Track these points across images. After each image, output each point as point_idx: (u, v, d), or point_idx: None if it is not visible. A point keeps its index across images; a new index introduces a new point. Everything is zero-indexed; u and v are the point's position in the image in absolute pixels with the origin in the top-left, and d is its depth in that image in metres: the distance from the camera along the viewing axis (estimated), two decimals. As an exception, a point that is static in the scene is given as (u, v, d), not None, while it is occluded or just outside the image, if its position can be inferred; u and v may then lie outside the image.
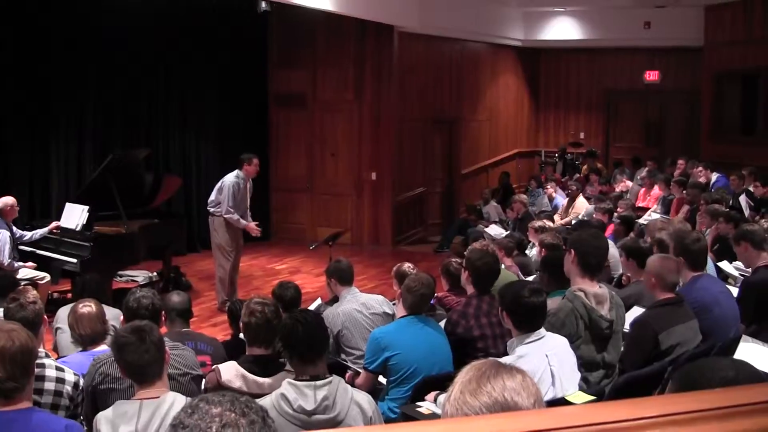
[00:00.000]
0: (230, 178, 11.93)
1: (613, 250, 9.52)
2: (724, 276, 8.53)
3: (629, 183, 16.80)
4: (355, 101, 17.48)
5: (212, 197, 12.09)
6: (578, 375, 5.25)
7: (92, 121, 14.51)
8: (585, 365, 5.48)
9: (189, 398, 3.72)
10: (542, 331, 5.18)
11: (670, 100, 21.32)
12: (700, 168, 15.58)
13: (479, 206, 17.30)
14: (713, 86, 19.02)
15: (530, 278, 8.64)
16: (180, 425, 2.12)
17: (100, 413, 4.33)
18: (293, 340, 4.60)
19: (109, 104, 14.80)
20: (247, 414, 2.14)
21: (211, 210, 12.08)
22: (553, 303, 5.68)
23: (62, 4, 13.57)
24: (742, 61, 17.96)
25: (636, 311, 6.53)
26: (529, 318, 5.16)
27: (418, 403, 5.59)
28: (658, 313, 5.96)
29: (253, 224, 12.23)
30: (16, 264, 10.75)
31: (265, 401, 4.19)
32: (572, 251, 5.78)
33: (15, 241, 10.94)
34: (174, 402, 4.23)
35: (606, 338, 5.60)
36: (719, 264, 8.80)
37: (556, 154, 21.49)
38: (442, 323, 6.54)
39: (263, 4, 13.55)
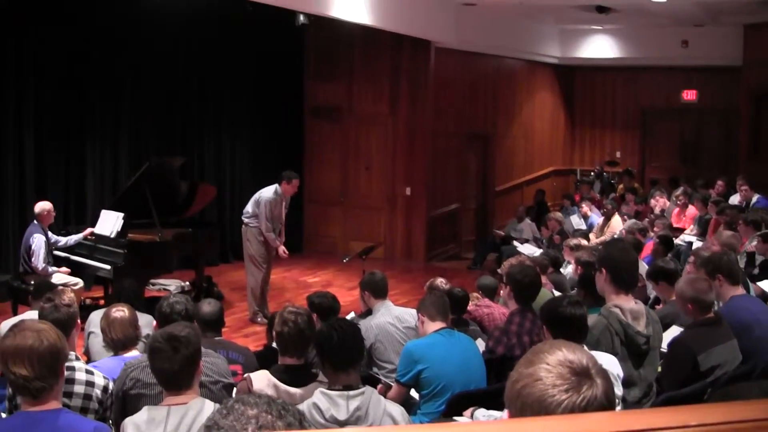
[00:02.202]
0: (268, 194, 11.90)
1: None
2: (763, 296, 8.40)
3: (667, 202, 16.61)
4: (391, 115, 17.46)
5: (248, 208, 12.07)
6: (620, 393, 5.16)
7: (128, 129, 14.55)
8: (623, 383, 5.39)
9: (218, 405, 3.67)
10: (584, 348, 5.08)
11: (708, 120, 21.13)
12: (746, 186, 15.32)
13: (508, 230, 17.17)
14: (751, 106, 18.84)
15: (568, 295, 8.56)
16: (215, 426, 2.07)
17: (128, 418, 4.29)
18: (328, 347, 4.56)
19: (144, 112, 14.84)
20: (284, 416, 2.09)
21: (246, 221, 12.07)
22: (590, 320, 5.60)
23: (100, 12, 13.62)
24: (781, 81, 17.80)
25: (674, 330, 6.42)
26: (566, 329, 5.07)
27: (455, 418, 5.52)
28: (697, 334, 5.85)
29: (282, 247, 12.23)
30: (51, 269, 10.78)
31: (297, 410, 4.14)
32: (603, 269, 5.69)
33: (50, 246, 10.98)
34: (202, 408, 4.19)
35: (643, 354, 5.50)
36: (760, 284, 8.67)
37: (593, 173, 21.34)
38: (478, 341, 6.48)
39: (301, 17, 13.60)
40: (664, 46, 19.99)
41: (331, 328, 4.64)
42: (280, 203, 12.00)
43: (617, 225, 14.71)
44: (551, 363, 2.19)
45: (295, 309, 5.34)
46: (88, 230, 11.59)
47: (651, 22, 18.92)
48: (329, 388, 4.44)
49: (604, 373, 2.22)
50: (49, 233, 11.09)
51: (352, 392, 4.38)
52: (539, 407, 2.15)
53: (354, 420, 4.31)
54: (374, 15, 14.37)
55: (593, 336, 5.42)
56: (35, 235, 10.72)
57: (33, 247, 10.68)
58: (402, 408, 4.70)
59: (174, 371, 4.22)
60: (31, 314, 6.43)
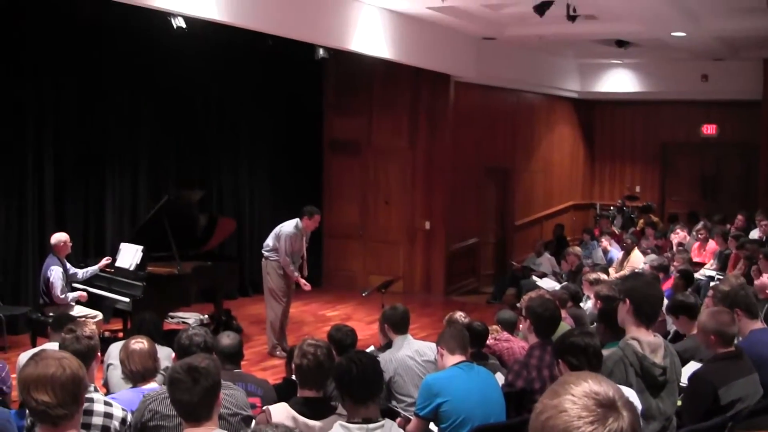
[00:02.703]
0: (289, 228, 11.91)
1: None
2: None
3: (687, 236, 16.54)
4: (410, 149, 17.49)
5: (268, 242, 12.09)
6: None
7: (147, 161, 14.59)
8: (641, 415, 5.34)
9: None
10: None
11: (727, 154, 21.05)
12: (765, 221, 15.25)
13: (529, 263, 17.13)
14: (771, 140, 18.80)
15: (586, 329, 8.52)
16: None
17: (146, 451, 4.28)
18: (347, 380, 4.55)
19: (164, 145, 14.90)
20: None
21: (266, 254, 12.08)
22: (607, 353, 5.58)
23: (121, 44, 13.72)
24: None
25: (694, 365, 6.38)
26: (580, 359, 5.05)
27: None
28: (718, 367, 5.81)
29: (303, 280, 12.23)
30: (70, 296, 10.84)
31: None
32: (627, 300, 5.66)
33: (68, 277, 11.01)
34: (221, 440, 4.17)
35: (660, 386, 5.46)
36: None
37: (613, 207, 21.29)
38: (498, 375, 6.45)
39: (321, 51, 13.65)
40: (683, 81, 19.98)
41: (350, 361, 4.63)
42: (300, 238, 12.01)
43: (637, 259, 14.65)
44: (577, 394, 2.16)
45: (315, 342, 5.34)
46: (104, 261, 11.64)
47: (671, 56, 18.93)
48: (349, 421, 4.42)
49: (631, 406, 2.18)
50: (67, 264, 11.14)
51: (371, 425, 4.37)
52: None
53: (373, 453, 4.30)
54: (394, 49, 14.44)
55: (607, 367, 5.38)
56: (52, 267, 10.77)
57: (51, 279, 10.73)
58: (421, 441, 4.68)
59: (193, 402, 4.20)
60: (51, 346, 6.42)
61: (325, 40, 13.30)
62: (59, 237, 11.07)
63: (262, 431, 2.14)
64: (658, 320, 7.74)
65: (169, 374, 4.41)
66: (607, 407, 2.14)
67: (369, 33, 13.75)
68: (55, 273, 10.72)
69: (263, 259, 12.15)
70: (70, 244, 11.22)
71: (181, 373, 4.25)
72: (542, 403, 2.23)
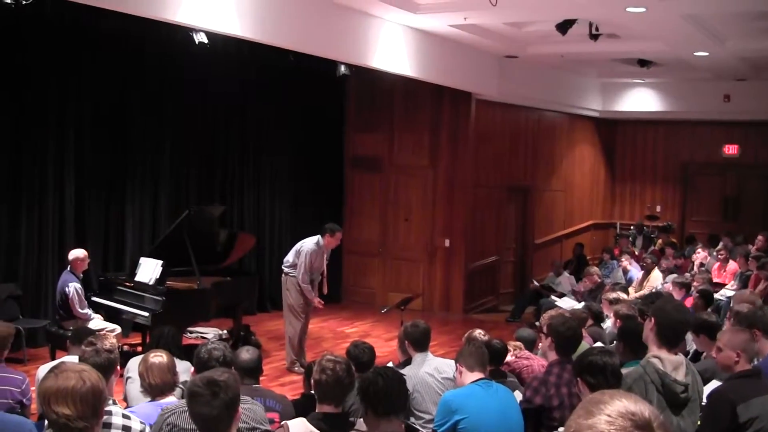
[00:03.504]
0: (310, 245, 11.93)
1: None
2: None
3: (708, 256, 16.48)
4: (431, 167, 17.50)
5: (289, 258, 12.11)
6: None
7: (168, 177, 14.65)
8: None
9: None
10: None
11: (749, 175, 20.98)
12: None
13: (549, 282, 17.10)
14: (793, 161, 18.74)
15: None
16: None
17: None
18: (373, 391, 4.55)
19: (185, 161, 14.96)
20: None
21: (286, 270, 12.09)
22: (626, 370, 5.56)
23: (143, 60, 13.83)
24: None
25: (714, 384, 6.36)
26: (599, 377, 5.04)
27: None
28: (736, 385, 5.79)
29: (317, 299, 12.23)
30: (90, 313, 10.90)
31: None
32: (653, 319, 5.65)
33: (84, 293, 11.07)
34: (240, 454, 4.17)
35: (681, 404, 5.43)
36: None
37: (632, 227, 21.25)
38: (516, 393, 6.44)
39: (343, 68, 13.67)
40: (705, 100, 19.95)
41: (377, 374, 4.64)
42: (321, 255, 12.01)
43: (656, 279, 14.63)
44: (612, 414, 2.10)
45: (334, 357, 5.34)
46: None
47: (693, 76, 18.91)
48: (369, 436, 4.43)
49: (666, 427, 2.15)
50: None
51: (392, 439, 4.37)
52: None
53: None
54: (416, 66, 14.46)
55: (626, 384, 5.35)
56: (70, 284, 10.81)
57: (70, 296, 10.79)
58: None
59: (213, 416, 4.19)
60: (70, 359, 6.44)
61: (346, 57, 13.32)
62: (77, 253, 11.14)
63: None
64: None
65: (189, 387, 4.40)
66: (643, 429, 2.09)
67: (391, 50, 13.77)
68: (73, 289, 10.77)
69: (283, 275, 12.17)
70: (88, 260, 11.27)
71: (201, 386, 4.24)
72: (576, 422, 2.15)
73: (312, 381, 5.37)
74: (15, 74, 12.35)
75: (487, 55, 16.50)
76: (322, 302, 12.40)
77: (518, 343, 8.73)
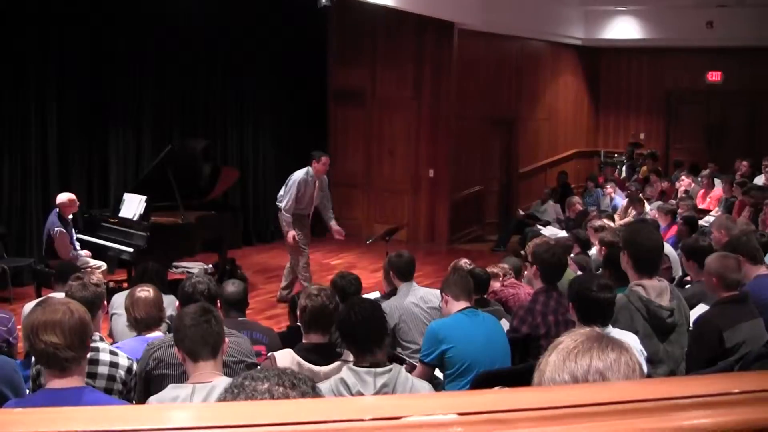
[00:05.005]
0: (298, 174, 11.86)
1: (673, 252, 9.39)
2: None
3: (692, 183, 16.50)
4: (414, 98, 17.40)
5: (282, 192, 12.01)
6: (645, 370, 5.10)
7: (151, 112, 14.57)
8: (648, 360, 5.34)
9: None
10: (609, 328, 5.04)
11: (733, 101, 20.95)
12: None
13: (534, 211, 17.16)
14: (777, 87, 18.71)
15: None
16: None
17: (152, 397, 4.29)
18: (348, 328, 4.53)
19: (167, 96, 14.86)
20: (297, 386, 2.04)
21: (280, 206, 12.00)
22: (614, 300, 5.57)
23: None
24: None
25: (701, 308, 6.38)
26: (592, 313, 5.04)
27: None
28: (722, 311, 5.83)
29: (336, 227, 12.30)
30: (77, 253, 10.85)
31: (323, 386, 4.11)
32: (626, 253, 5.66)
33: (71, 235, 11.00)
34: (226, 386, 4.15)
35: (668, 330, 5.45)
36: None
37: (616, 155, 21.26)
38: (503, 321, 6.45)
39: None
40: (688, 27, 19.82)
41: (348, 310, 4.62)
42: (312, 184, 11.90)
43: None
44: (581, 373, 2.18)
45: (319, 286, 5.35)
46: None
47: (676, 2, 18.82)
48: (356, 365, 4.42)
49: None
50: (70, 225, 11.05)
51: (379, 369, 4.35)
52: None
53: (380, 397, 4.29)
54: (397, -4, 14.31)
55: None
56: (56, 228, 10.67)
57: (56, 241, 10.63)
58: (429, 385, 4.69)
59: (218, 332, 4.25)
60: (55, 297, 6.42)
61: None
62: (64, 197, 10.92)
63: (253, 376, 2.08)
64: (663, 267, 7.78)
65: (184, 320, 4.31)
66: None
67: (372, -20, 13.62)
68: (59, 232, 10.62)
69: (278, 212, 12.11)
70: (77, 203, 11.13)
71: (197, 314, 4.25)
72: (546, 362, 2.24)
73: (298, 311, 5.36)
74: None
75: (469, -16, 16.35)
76: (342, 231, 12.49)
77: (505, 266, 8.76)
